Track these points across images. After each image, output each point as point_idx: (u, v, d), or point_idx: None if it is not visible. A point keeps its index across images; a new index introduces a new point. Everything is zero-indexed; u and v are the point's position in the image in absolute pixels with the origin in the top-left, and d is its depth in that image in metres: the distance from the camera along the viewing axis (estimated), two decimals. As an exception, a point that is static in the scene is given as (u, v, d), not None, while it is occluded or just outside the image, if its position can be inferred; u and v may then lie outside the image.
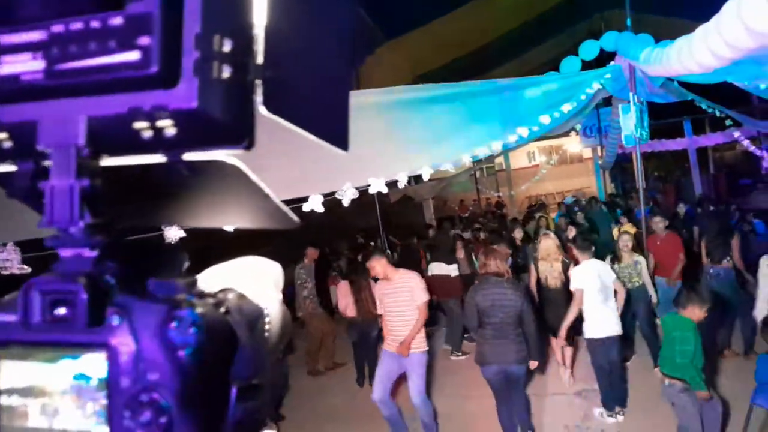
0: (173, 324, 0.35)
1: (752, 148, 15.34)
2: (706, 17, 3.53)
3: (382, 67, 9.58)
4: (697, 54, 3.51)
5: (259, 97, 0.37)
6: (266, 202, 0.43)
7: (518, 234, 8.62)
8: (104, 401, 0.36)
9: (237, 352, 0.38)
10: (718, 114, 9.72)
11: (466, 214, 17.26)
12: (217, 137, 0.37)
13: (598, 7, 11.22)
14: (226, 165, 0.38)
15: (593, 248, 5.41)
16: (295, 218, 0.46)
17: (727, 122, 10.84)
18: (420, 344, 4.85)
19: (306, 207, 3.51)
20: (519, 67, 11.84)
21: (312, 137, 0.42)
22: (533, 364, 4.76)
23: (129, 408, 0.35)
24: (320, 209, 3.54)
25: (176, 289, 0.38)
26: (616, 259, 5.92)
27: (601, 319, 5.11)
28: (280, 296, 0.55)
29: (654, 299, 6.12)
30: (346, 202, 3.79)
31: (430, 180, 14.48)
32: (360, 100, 4.82)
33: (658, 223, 6.91)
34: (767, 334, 4.13)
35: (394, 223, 11.95)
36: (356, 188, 3.99)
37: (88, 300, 0.36)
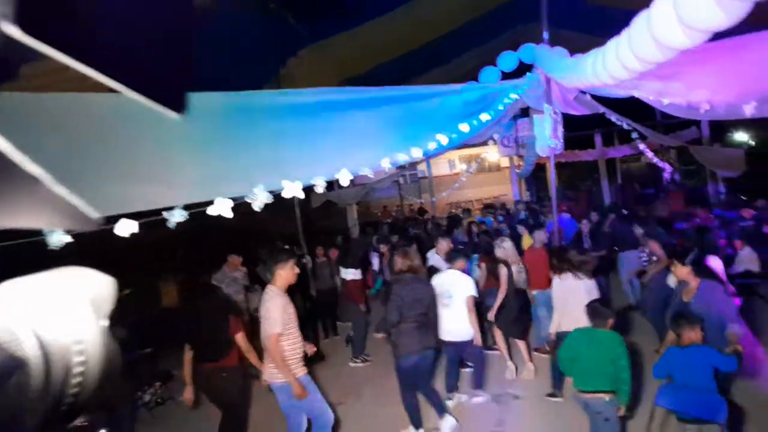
0: None
1: (655, 159, 16.37)
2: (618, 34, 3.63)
3: (305, 70, 9.36)
4: (609, 66, 3.60)
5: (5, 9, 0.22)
6: (38, 191, 0.27)
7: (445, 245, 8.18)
8: None
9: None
10: (626, 127, 10.22)
11: (389, 220, 17.33)
12: None
13: (518, 20, 11.55)
14: None
15: (459, 258, 5.85)
16: (93, 216, 0.30)
17: (634, 135, 11.45)
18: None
19: (211, 211, 3.26)
20: (443, 75, 11.96)
21: (120, 87, 0.27)
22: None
23: None
24: (228, 214, 3.30)
25: None
26: None
27: (444, 325, 5.59)
28: (104, 323, 0.38)
29: None
30: (257, 207, 3.56)
31: (353, 185, 14.42)
32: (277, 100, 4.63)
33: (538, 235, 7.28)
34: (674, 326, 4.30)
35: (315, 229, 11.73)
36: (270, 192, 3.78)
37: None
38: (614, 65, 3.49)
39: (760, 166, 14.58)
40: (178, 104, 0.35)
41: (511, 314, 6.25)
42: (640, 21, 2.90)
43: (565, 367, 4.46)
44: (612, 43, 3.51)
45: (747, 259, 8.07)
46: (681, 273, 4.79)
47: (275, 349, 4.36)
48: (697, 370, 3.98)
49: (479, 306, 6.38)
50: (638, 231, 8.10)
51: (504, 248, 6.50)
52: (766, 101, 4.35)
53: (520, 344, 6.43)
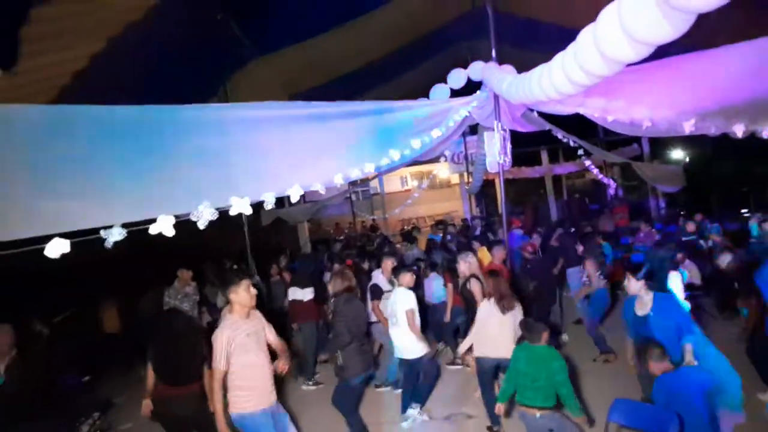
0: None
1: (600, 176, 16.91)
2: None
3: (252, 84, 9.20)
4: (555, 80, 3.65)
5: None
6: None
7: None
8: None
9: None
10: (572, 144, 10.48)
11: (342, 237, 17.18)
12: None
13: (467, 37, 11.75)
14: None
15: (404, 274, 5.93)
16: None
17: (579, 152, 11.77)
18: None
19: (153, 229, 3.07)
20: (393, 91, 12.03)
21: None
22: None
23: None
24: (170, 232, 3.12)
25: None
26: None
27: (396, 342, 5.84)
28: None
29: None
30: (202, 225, 3.39)
31: (305, 202, 14.19)
32: (224, 113, 4.47)
33: (498, 252, 7.45)
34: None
35: (265, 247, 11.46)
36: (216, 209, 3.61)
37: None
38: (561, 79, 3.54)
39: (696, 182, 15.27)
40: (3, 59, 0.25)
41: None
42: (586, 35, 2.94)
43: (504, 394, 4.54)
44: (558, 58, 3.56)
45: (688, 272, 8.34)
46: (634, 287, 4.85)
47: (213, 382, 4.12)
48: (691, 395, 3.90)
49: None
50: (579, 248, 8.31)
51: (469, 263, 6.48)
52: (705, 118, 4.51)
53: None
